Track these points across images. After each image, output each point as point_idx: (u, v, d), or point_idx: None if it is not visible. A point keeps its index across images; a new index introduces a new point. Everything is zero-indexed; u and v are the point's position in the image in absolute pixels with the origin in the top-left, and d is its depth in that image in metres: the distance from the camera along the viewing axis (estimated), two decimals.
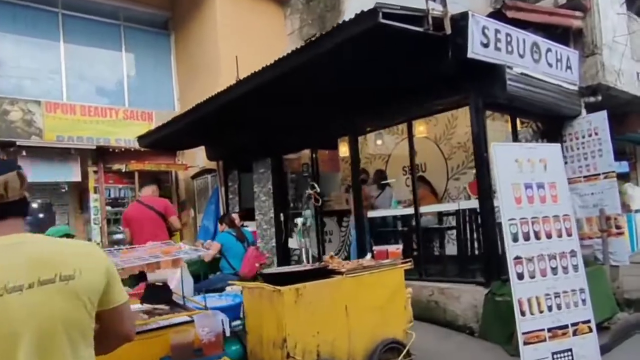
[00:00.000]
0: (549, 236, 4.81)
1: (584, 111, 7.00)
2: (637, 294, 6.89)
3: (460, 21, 5.05)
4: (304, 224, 5.56)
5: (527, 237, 4.69)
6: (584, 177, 7.03)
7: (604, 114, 6.73)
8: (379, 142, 7.77)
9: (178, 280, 3.56)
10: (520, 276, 4.61)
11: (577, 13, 6.77)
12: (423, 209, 6.28)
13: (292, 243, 6.59)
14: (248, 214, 8.51)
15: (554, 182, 4.94)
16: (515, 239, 4.63)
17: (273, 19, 10.92)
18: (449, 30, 5.03)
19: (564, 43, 6.82)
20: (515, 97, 5.60)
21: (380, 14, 4.43)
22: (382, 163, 8.56)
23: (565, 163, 7.18)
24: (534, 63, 5.97)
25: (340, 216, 8.38)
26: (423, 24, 4.89)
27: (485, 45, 5.22)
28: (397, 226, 7.01)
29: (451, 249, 6.55)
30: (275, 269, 4.36)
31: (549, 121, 7.05)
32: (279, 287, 3.19)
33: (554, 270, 4.79)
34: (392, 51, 5.53)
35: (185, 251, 2.95)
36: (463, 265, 6.17)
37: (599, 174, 6.88)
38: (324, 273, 3.60)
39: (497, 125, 7.25)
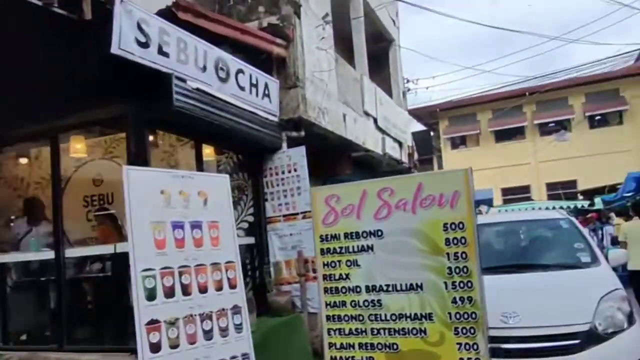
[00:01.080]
0: (203, 290, 3.78)
1: (284, 145, 6.49)
2: None
3: (108, 5, 3.83)
4: None
5: (170, 293, 3.55)
6: (284, 216, 6.46)
7: (302, 149, 6.30)
8: (22, 160, 5.92)
9: None
10: (157, 348, 3.42)
11: (279, 40, 6.29)
12: (70, 252, 4.77)
13: None
14: None
15: (216, 222, 3.99)
16: (151, 296, 3.45)
17: None
18: (88, 14, 3.76)
19: (267, 71, 6.26)
20: (189, 117, 4.59)
21: None
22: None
23: (266, 200, 6.57)
24: (220, 82, 5.13)
25: None
26: None
27: (144, 45, 4.10)
28: (47, 275, 5.27)
29: (111, 305, 5.11)
30: None
31: (249, 152, 6.34)
32: None
33: (208, 334, 3.75)
34: (17, 31, 4.02)
35: None
36: (121, 326, 4.77)
37: (297, 214, 6.39)
38: None
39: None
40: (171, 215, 3.66)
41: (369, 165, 10.26)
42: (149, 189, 3.56)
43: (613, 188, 15.84)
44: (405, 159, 11.79)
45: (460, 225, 3.16)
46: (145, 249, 3.46)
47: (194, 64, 4.70)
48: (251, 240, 6.40)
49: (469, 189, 3.15)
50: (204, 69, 4.86)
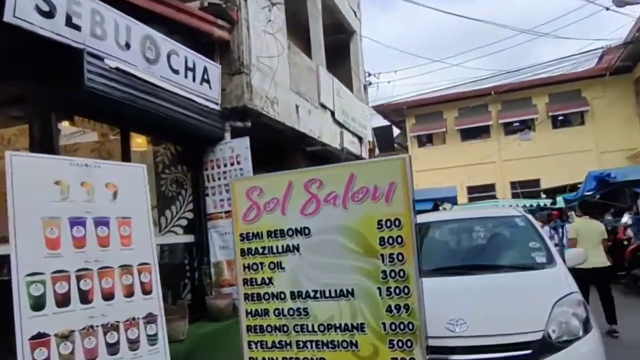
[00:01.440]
0: (108, 297, 3.27)
1: (228, 136, 6.00)
2: None
3: None
4: None
5: (64, 301, 3.04)
6: (225, 212, 5.95)
7: (246, 140, 5.81)
8: None
9: None
10: None
11: (221, 22, 5.79)
12: None
13: None
14: None
15: (128, 218, 3.48)
16: (38, 305, 2.93)
17: None
18: None
19: (209, 55, 5.75)
20: (107, 100, 4.06)
21: None
22: None
23: (206, 195, 6.06)
24: (148, 63, 4.61)
25: None
26: None
27: (47, 15, 3.56)
28: None
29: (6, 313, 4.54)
30: None
31: (187, 143, 5.83)
32: None
33: (113, 347, 3.24)
34: None
35: None
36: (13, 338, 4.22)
37: None
38: None
39: None
40: (69, 210, 3.14)
41: (325, 161, 9.83)
42: (40, 179, 3.04)
43: (574, 187, 15.92)
44: (365, 154, 11.42)
45: (397, 223, 2.76)
46: (33, 250, 2.94)
47: (113, 41, 4.16)
48: (190, 238, 5.89)
49: (406, 180, 2.75)
50: (127, 46, 4.33)
